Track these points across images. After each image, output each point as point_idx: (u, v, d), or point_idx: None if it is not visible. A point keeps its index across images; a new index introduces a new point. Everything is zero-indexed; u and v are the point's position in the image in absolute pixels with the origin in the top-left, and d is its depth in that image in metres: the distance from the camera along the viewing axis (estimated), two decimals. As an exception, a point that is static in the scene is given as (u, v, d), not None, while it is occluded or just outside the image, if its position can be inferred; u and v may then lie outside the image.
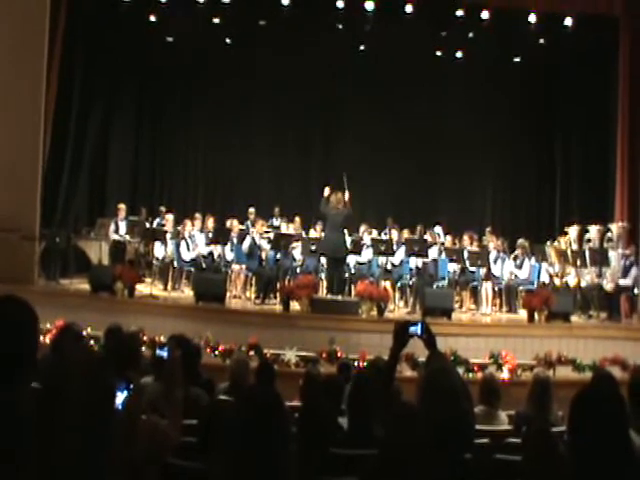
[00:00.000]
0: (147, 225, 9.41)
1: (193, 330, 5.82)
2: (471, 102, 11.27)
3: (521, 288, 8.88)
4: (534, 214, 11.97)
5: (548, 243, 9.43)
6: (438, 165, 11.67)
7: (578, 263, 8.50)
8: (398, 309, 8.61)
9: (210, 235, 8.85)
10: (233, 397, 3.46)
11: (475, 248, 9.18)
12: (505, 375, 6.59)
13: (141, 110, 11.68)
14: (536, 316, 7.73)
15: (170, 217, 9.53)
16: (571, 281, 8.71)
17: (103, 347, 4.02)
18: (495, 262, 9.03)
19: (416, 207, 11.51)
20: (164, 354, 2.59)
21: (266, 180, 11.87)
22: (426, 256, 8.63)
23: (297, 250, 9.02)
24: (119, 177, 11.44)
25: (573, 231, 8.93)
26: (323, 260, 8.61)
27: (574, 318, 7.97)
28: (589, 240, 8.74)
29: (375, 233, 9.71)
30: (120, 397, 1.93)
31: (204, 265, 8.62)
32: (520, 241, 9.29)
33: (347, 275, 8.75)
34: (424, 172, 11.71)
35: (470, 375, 6.54)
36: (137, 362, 3.18)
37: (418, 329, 2.51)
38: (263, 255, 8.89)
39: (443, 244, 9.36)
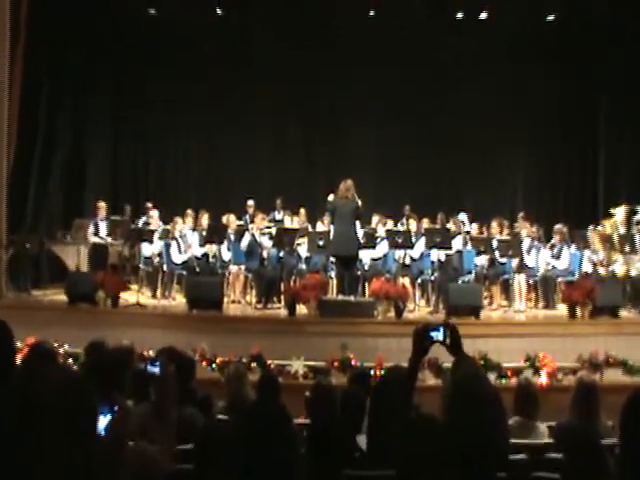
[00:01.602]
0: (132, 225, 9.48)
1: (186, 342, 5.86)
2: (497, 69, 11.26)
3: (560, 280, 8.87)
4: (573, 195, 11.95)
5: (590, 227, 9.41)
6: (461, 144, 11.62)
7: (626, 249, 8.47)
8: (419, 309, 8.63)
9: (204, 233, 8.88)
10: (232, 416, 3.46)
11: (505, 236, 9.17)
12: (543, 380, 6.60)
13: (120, 96, 11.76)
14: (578, 312, 7.72)
15: (155, 213, 9.57)
16: (618, 270, 8.67)
17: (83, 365, 4.02)
18: (529, 252, 9.03)
19: (436, 192, 11.54)
20: (155, 370, 2.59)
21: (266, 169, 11.91)
22: (449, 248, 8.62)
23: (303, 246, 9.03)
24: (97, 173, 11.50)
25: (620, 213, 8.92)
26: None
27: (623, 313, 7.94)
28: (639, 222, 8.72)
29: (390, 224, 9.72)
30: (103, 421, 1.92)
31: (198, 268, 8.67)
32: (557, 226, 9.28)
33: (360, 272, 8.77)
34: (445, 152, 11.68)
35: (503, 381, 6.57)
36: (123, 381, 3.18)
37: (440, 334, 2.51)
38: (264, 253, 8.90)
39: (468, 233, 9.33)
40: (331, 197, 7.96)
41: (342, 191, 7.87)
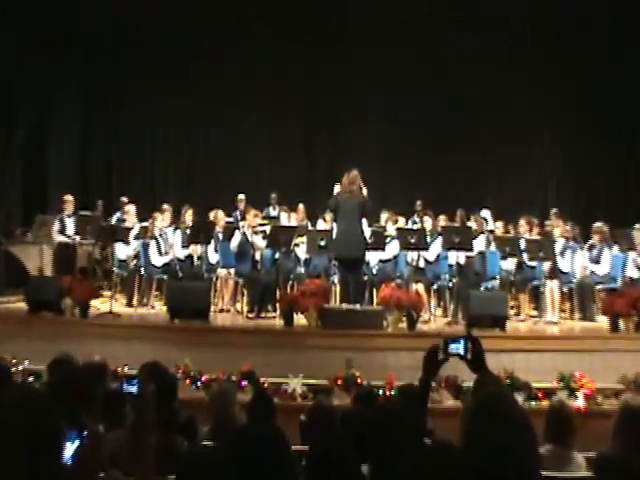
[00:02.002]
0: (104, 222, 9.52)
1: (167, 356, 5.90)
2: (528, 58, 11.56)
3: (599, 287, 8.87)
4: (615, 189, 11.97)
5: (636, 226, 9.39)
6: (482, 131, 11.77)
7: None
8: (435, 319, 8.65)
9: (188, 232, 8.87)
10: (219, 442, 3.48)
11: (535, 236, 9.15)
12: (580, 403, 6.58)
13: (90, 78, 11.89)
14: (621, 324, 7.70)
15: (131, 209, 9.59)
16: (669, 276, 8.70)
17: (47, 385, 3.99)
18: (563, 254, 9.02)
19: (455, 186, 11.61)
20: (132, 389, 2.58)
21: (259, 160, 12.01)
22: (470, 249, 8.60)
23: (301, 247, 9.03)
24: (64, 161, 11.56)
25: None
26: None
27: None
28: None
29: (402, 221, 9.70)
30: (71, 448, 1.96)
31: (180, 271, 8.69)
32: (597, 225, 9.28)
33: (367, 277, 8.77)
34: (464, 140, 11.78)
35: (533, 404, 6.53)
36: (94, 403, 3.18)
37: (460, 347, 2.51)
38: (257, 255, 8.91)
39: (492, 232, 9.30)
40: (337, 188, 7.97)
41: (346, 184, 7.87)
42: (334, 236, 8.12)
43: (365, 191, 7.91)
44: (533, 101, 11.72)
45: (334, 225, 8.34)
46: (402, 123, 11.96)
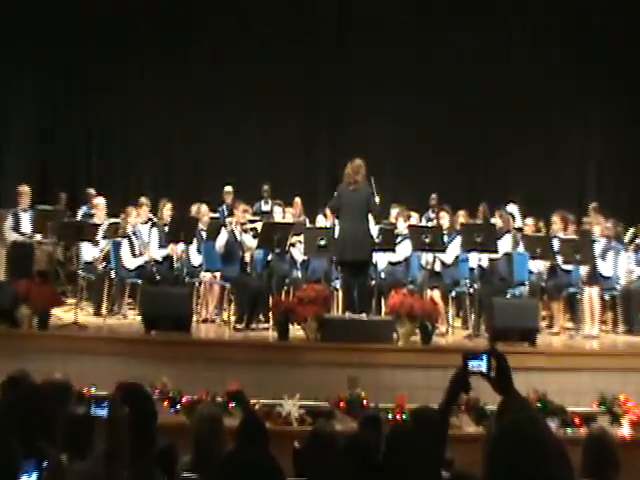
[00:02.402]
0: (68, 217, 9.48)
1: (142, 374, 5.88)
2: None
3: (647, 295, 8.85)
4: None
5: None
6: (508, 114, 11.91)
7: None
8: (453, 332, 8.63)
9: (166, 229, 8.84)
10: (202, 474, 3.50)
11: (571, 235, 9.09)
12: (625, 431, 6.55)
13: (52, 54, 12.00)
14: (673, 338, 7.69)
15: (101, 202, 9.56)
16: None
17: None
18: (604, 256, 8.98)
19: (476, 177, 11.71)
20: (102, 413, 2.61)
21: (250, 147, 12.19)
22: (494, 250, 8.51)
23: (298, 248, 9.03)
24: (19, 148, 11.55)
25: None
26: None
27: None
28: None
29: (415, 218, 9.65)
30: (28, 480, 1.93)
31: (158, 275, 8.68)
32: (644, 222, 9.30)
33: (374, 282, 8.77)
34: (485, 124, 11.93)
35: (569, 431, 6.51)
36: (55, 429, 3.15)
37: (482, 364, 2.52)
38: (247, 256, 8.87)
39: (520, 230, 9.24)
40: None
41: (349, 175, 7.87)
42: (336, 235, 8.11)
43: (373, 182, 7.89)
44: (566, 86, 12.10)
45: (336, 222, 8.34)
46: (405, 122, 12.41)
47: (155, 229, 9.10)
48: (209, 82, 12.56)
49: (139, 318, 8.12)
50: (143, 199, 9.51)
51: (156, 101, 12.63)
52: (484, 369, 2.51)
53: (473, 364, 2.51)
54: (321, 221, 9.68)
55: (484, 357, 2.52)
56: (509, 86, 12.25)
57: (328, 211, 9.27)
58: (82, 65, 12.29)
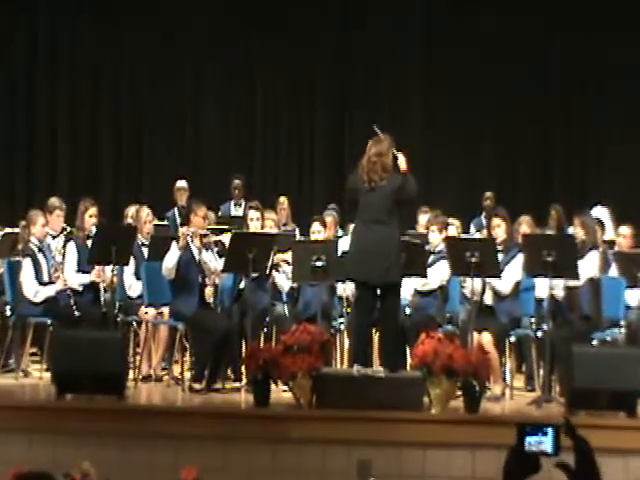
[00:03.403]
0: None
1: (51, 459, 5.73)
2: None
3: None
4: None
5: None
6: (587, 97, 12.14)
7: None
8: (512, 395, 7.61)
9: (90, 244, 8.01)
10: None
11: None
12: None
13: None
14: None
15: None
16: None
17: None
18: None
19: (548, 170, 11.83)
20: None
21: (216, 128, 12.47)
22: (574, 274, 7.45)
23: (284, 270, 8.13)
24: None
25: None
26: (342, 288, 7.96)
27: None
28: None
29: (455, 227, 8.85)
30: None
31: (77, 311, 7.87)
32: None
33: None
34: (565, 92, 12.14)
35: None
36: None
37: (547, 442, 2.30)
38: (208, 282, 8.00)
39: (613, 245, 8.29)
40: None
41: (370, 161, 6.77)
42: (349, 245, 7.07)
43: (404, 164, 6.67)
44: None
45: (340, 231, 8.05)
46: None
47: (72, 244, 8.11)
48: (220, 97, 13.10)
49: (48, 376, 7.23)
50: (55, 200, 8.57)
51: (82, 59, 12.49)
52: (549, 449, 2.31)
53: (531, 441, 2.33)
54: (318, 231, 8.44)
55: (549, 431, 2.33)
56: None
57: (327, 218, 8.46)
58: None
